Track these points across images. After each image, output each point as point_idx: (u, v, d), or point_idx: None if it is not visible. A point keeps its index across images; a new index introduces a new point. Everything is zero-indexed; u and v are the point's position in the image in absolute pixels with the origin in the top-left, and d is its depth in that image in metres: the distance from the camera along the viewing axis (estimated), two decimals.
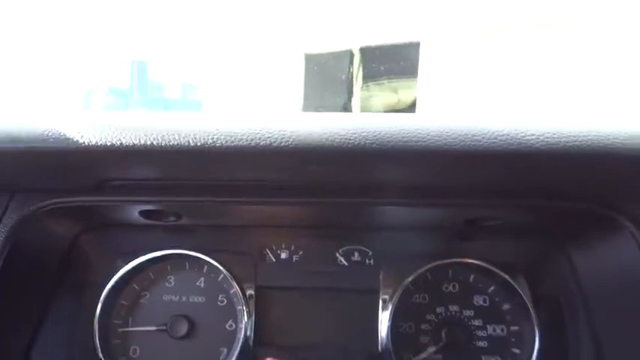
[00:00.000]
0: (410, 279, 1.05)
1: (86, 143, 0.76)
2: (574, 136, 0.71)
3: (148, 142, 0.76)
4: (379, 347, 1.04)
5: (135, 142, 0.76)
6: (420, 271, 1.05)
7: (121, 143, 0.76)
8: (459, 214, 0.97)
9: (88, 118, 0.81)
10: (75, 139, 0.77)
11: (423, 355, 1.04)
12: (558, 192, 0.85)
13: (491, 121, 0.74)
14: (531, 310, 1.02)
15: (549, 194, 0.85)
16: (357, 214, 1.05)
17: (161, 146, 0.76)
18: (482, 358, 1.05)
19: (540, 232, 1.04)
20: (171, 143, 0.76)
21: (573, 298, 1.02)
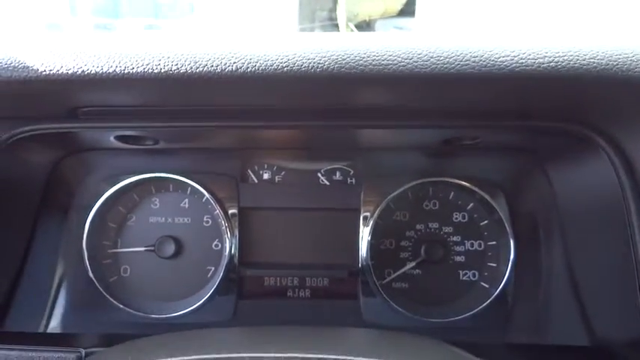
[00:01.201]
0: (391, 196, 1.06)
1: (52, 71, 0.74)
2: (550, 57, 0.68)
3: (112, 70, 0.73)
4: (359, 263, 1.07)
5: (99, 70, 0.73)
6: (401, 188, 1.06)
7: (84, 71, 0.73)
8: (437, 134, 0.95)
9: (54, 45, 0.77)
10: (40, 68, 0.74)
11: (402, 270, 1.08)
12: (537, 112, 0.83)
13: (465, 42, 0.71)
14: (507, 226, 1.04)
15: (528, 115, 0.84)
16: (340, 135, 1.04)
17: (125, 73, 0.73)
18: (460, 272, 1.09)
19: (520, 150, 1.04)
20: (136, 70, 0.73)
21: (549, 215, 1.03)
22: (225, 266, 1.07)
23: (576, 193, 0.95)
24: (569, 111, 0.81)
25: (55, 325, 1.07)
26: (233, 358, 0.62)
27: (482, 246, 1.09)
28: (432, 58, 0.69)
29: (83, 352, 0.85)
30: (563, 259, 1.01)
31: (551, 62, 0.68)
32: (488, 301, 1.04)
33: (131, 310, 1.07)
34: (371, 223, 1.06)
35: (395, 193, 1.06)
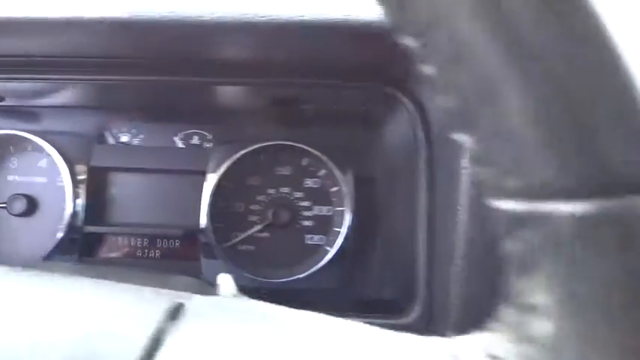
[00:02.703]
0: (233, 158, 1.06)
1: None
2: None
3: None
4: (200, 224, 1.07)
5: None
6: (244, 151, 1.06)
7: None
8: (267, 93, 0.96)
9: None
10: None
11: (248, 232, 1.08)
12: (345, 72, 0.83)
13: None
14: (349, 192, 1.05)
15: (342, 74, 0.84)
16: (193, 93, 1.04)
17: None
18: (306, 236, 1.10)
19: (356, 117, 1.05)
20: None
21: (387, 180, 1.04)
22: (67, 226, 1.06)
23: (393, 151, 0.96)
24: (374, 70, 0.82)
25: None
26: None
27: (331, 212, 1.10)
28: None
29: None
30: (395, 223, 1.02)
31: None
32: (325, 260, 1.04)
33: None
34: (212, 185, 1.06)
35: (237, 155, 1.06)
